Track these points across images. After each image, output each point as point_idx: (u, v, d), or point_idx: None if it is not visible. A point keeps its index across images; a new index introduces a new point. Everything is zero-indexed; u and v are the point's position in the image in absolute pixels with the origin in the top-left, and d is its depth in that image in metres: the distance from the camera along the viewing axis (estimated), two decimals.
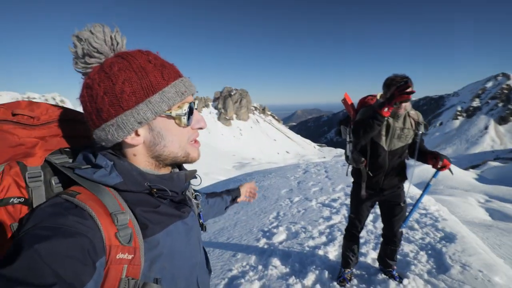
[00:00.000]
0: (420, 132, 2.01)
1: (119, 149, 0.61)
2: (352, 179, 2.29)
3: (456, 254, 2.71)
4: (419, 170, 14.61)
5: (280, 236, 3.43)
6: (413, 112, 2.03)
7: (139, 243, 0.54)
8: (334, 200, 4.78)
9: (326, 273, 2.50)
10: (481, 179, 18.26)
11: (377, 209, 3.59)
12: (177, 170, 0.72)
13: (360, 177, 2.15)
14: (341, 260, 2.46)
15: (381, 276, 2.43)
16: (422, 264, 2.60)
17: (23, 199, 0.53)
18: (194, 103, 0.64)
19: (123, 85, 0.54)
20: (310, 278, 2.47)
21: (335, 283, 2.36)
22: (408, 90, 1.68)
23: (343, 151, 2.46)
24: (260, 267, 2.70)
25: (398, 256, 2.55)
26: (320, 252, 2.91)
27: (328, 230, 3.50)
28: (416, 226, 3.51)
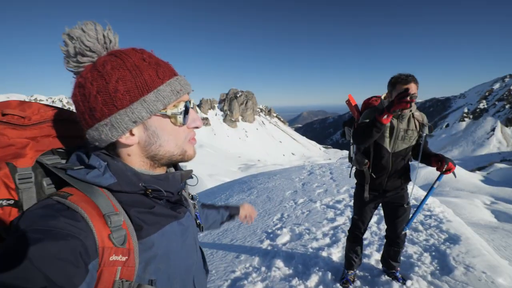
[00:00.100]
0: (425, 134, 2.00)
1: (113, 149, 0.60)
2: (355, 181, 2.29)
3: (460, 255, 2.68)
4: (425, 172, 14.43)
5: (283, 238, 3.44)
6: (417, 114, 2.02)
7: (133, 244, 0.53)
8: (339, 202, 4.76)
9: (329, 274, 2.50)
10: (487, 181, 17.92)
11: (381, 211, 3.58)
12: (172, 170, 0.70)
13: (363, 179, 2.15)
14: (344, 262, 2.46)
15: (384, 277, 2.42)
16: (426, 266, 2.58)
17: (13, 201, 0.51)
18: (189, 102, 0.63)
19: (116, 84, 0.53)
20: (313, 279, 2.47)
21: (338, 285, 2.36)
22: (408, 99, 1.66)
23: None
24: (263, 268, 2.71)
25: (401, 258, 2.54)
26: (324, 254, 2.91)
27: (332, 232, 3.50)
28: (420, 227, 3.48)
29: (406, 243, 2.89)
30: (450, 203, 7.69)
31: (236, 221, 4.38)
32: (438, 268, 2.54)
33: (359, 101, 2.32)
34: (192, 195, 0.82)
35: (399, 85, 1.81)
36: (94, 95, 0.53)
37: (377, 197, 2.17)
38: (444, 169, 1.91)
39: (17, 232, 0.44)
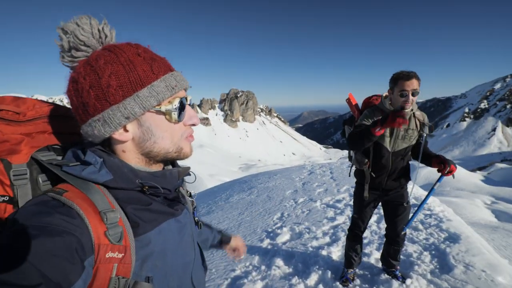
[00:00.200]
0: (425, 134, 1.99)
1: (108, 146, 0.59)
2: (355, 180, 2.29)
3: (460, 254, 2.68)
4: (425, 172, 14.43)
5: (284, 237, 3.44)
6: (418, 113, 2.01)
7: (129, 241, 0.52)
8: (339, 201, 4.77)
9: (329, 273, 2.50)
10: (487, 180, 17.95)
11: (380, 210, 3.58)
12: (170, 167, 0.69)
13: (363, 178, 2.15)
14: (344, 260, 2.46)
15: (384, 276, 2.42)
16: (426, 264, 2.58)
17: (8, 198, 0.50)
18: (186, 98, 0.62)
19: (109, 79, 0.52)
20: (313, 278, 2.48)
21: (338, 283, 2.36)
22: (401, 121, 1.61)
23: None
24: (263, 267, 2.72)
25: (401, 257, 2.54)
26: (324, 253, 2.91)
27: (332, 231, 3.51)
28: (420, 226, 3.48)
29: (406, 242, 2.90)
30: (451, 203, 7.69)
31: (236, 220, 4.39)
32: (438, 266, 2.54)
33: (359, 100, 2.33)
34: (190, 193, 0.81)
35: (401, 81, 1.80)
36: (87, 90, 0.53)
37: (377, 196, 2.17)
38: (446, 172, 1.91)
39: (12, 229, 0.43)
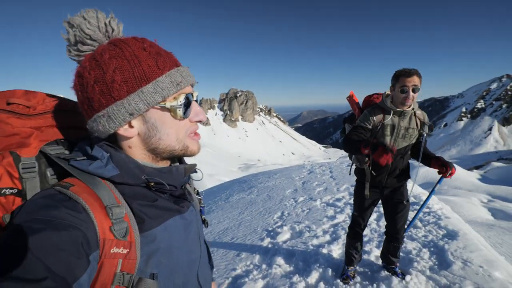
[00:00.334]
0: (425, 134, 2.01)
1: (115, 141, 0.58)
2: (355, 179, 2.31)
3: (458, 250, 2.71)
4: (423, 171, 14.51)
5: (284, 236, 3.46)
6: (419, 112, 2.03)
7: (135, 237, 0.52)
8: (339, 200, 4.79)
9: (330, 271, 2.52)
10: (484, 179, 18.08)
11: (380, 208, 3.61)
12: (177, 163, 0.68)
13: (363, 177, 2.17)
14: (345, 258, 2.48)
15: (384, 273, 2.44)
16: (425, 261, 2.61)
17: (16, 190, 0.50)
18: (192, 94, 0.61)
19: (113, 74, 0.52)
20: (314, 276, 2.49)
21: (338, 281, 2.38)
22: (383, 160, 1.64)
23: None
24: (264, 266, 2.73)
25: (401, 254, 2.56)
26: (324, 251, 2.93)
27: (332, 229, 3.53)
28: (419, 224, 3.50)
29: (405, 239, 2.92)
30: (449, 201, 7.75)
31: (236, 219, 4.41)
32: (436, 263, 2.57)
33: (359, 99, 2.34)
34: (197, 190, 0.80)
35: (402, 78, 1.83)
36: (92, 85, 0.52)
37: (377, 194, 2.19)
38: (448, 174, 1.95)
39: (18, 222, 0.43)
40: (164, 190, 0.61)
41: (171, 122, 0.58)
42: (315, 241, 3.20)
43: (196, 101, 0.63)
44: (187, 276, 0.64)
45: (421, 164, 2.02)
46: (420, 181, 13.50)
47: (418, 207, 4.09)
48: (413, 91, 1.83)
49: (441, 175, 2.05)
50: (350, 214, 3.99)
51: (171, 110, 0.57)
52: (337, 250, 2.96)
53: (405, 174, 2.16)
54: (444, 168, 1.97)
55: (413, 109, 1.97)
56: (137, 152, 0.59)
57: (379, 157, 1.66)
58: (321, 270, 2.57)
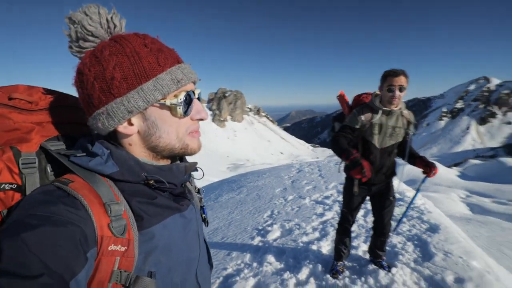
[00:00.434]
0: (411, 133, 2.10)
1: (115, 138, 0.58)
2: (345, 175, 2.36)
3: (440, 243, 2.84)
4: (407, 169, 15.04)
5: (274, 234, 3.50)
6: (406, 112, 2.10)
7: (133, 235, 0.51)
8: (327, 197, 4.88)
9: (320, 266, 2.57)
10: (462, 176, 19.01)
11: (367, 205, 3.72)
12: (178, 162, 0.67)
13: None
14: (334, 254, 2.53)
15: (372, 266, 2.52)
16: (409, 254, 2.71)
17: (16, 186, 0.50)
18: (194, 92, 0.60)
19: (113, 71, 0.51)
20: (304, 272, 2.54)
21: (328, 276, 2.43)
22: (362, 175, 1.79)
23: None
24: (255, 264, 2.75)
25: (387, 247, 2.66)
26: (314, 247, 2.98)
27: (321, 226, 3.59)
28: (404, 219, 3.64)
29: (390, 234, 3.03)
30: (429, 197, 8.08)
31: (226, 219, 4.41)
32: (420, 255, 2.68)
33: (349, 98, 2.40)
34: (198, 189, 0.79)
35: (389, 78, 1.90)
36: (92, 82, 0.52)
37: (365, 191, 2.26)
38: (432, 174, 2.06)
39: (16, 217, 0.43)
40: (164, 188, 0.60)
41: (171, 120, 0.57)
42: (305, 238, 3.25)
43: (198, 98, 0.62)
44: (186, 275, 0.63)
45: (403, 162, 2.11)
46: (403, 178, 13.97)
47: (403, 203, 4.24)
48: (400, 90, 1.90)
49: (425, 175, 2.16)
50: (339, 211, 4.08)
51: (171, 108, 0.56)
52: (326, 246, 3.02)
53: (392, 171, 2.24)
54: (428, 168, 2.08)
55: (400, 109, 2.04)
56: (137, 150, 0.58)
57: (359, 172, 1.80)
58: (311, 266, 2.62)
